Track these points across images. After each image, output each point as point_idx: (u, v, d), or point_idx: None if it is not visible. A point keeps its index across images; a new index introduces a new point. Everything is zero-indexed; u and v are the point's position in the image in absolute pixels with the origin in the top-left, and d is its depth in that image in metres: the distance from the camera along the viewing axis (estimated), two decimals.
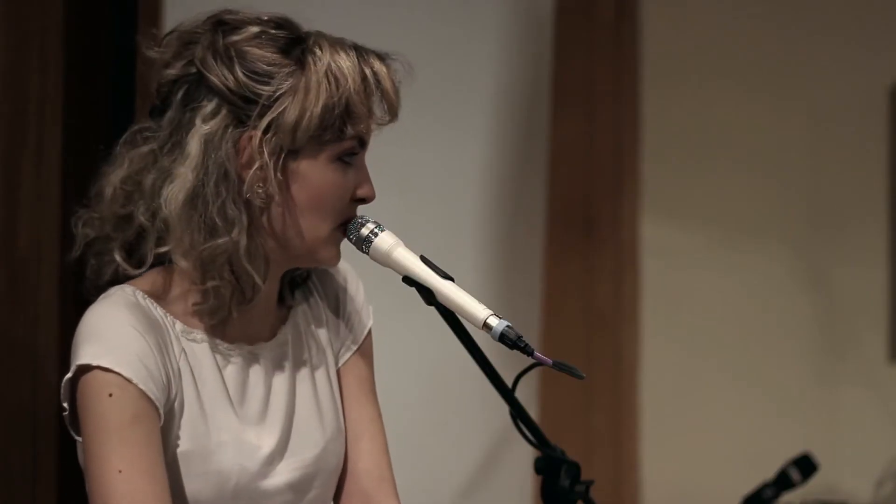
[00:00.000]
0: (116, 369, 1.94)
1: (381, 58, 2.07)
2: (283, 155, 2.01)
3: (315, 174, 2.03)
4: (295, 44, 2.03)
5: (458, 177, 3.82)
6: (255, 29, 2.03)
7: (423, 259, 2.04)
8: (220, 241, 1.99)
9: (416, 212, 3.55)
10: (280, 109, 1.99)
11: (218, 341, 2.06)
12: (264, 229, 2.04)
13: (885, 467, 4.24)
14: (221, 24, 2.04)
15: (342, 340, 2.20)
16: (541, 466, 2.04)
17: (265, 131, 2.00)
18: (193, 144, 2.00)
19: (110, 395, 1.94)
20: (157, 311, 2.02)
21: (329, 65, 2.01)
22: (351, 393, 2.18)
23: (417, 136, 3.54)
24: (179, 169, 2.00)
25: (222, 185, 1.99)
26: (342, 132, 2.02)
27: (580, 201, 4.15)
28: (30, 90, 2.52)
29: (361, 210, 2.09)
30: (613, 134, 4.19)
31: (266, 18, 2.06)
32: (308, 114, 2.00)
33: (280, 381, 2.11)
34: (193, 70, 2.02)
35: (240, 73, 2.00)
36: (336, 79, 2.01)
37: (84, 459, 1.97)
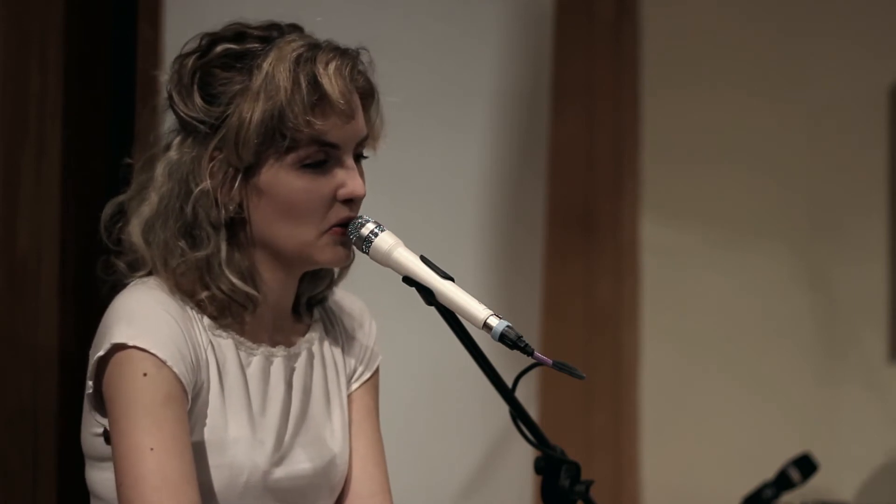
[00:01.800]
0: (152, 350, 1.97)
1: (337, 56, 2.05)
2: (238, 171, 2.03)
3: (280, 185, 2.04)
4: (253, 56, 2.04)
5: (459, 177, 3.82)
6: (224, 46, 2.05)
7: (423, 259, 2.04)
8: (187, 258, 2.03)
9: (416, 212, 3.54)
10: (226, 128, 2.02)
11: (242, 339, 2.09)
12: (248, 240, 2.07)
13: (885, 467, 4.24)
14: (209, 43, 2.07)
15: (355, 368, 2.23)
16: (541, 466, 2.04)
17: (217, 150, 2.03)
18: (160, 169, 2.06)
19: (145, 374, 1.96)
20: (185, 305, 2.05)
21: (266, 75, 2.02)
22: (359, 418, 2.22)
23: (417, 136, 3.54)
24: (149, 193, 2.06)
25: (186, 205, 2.03)
26: (281, 143, 2.02)
27: (580, 201, 4.15)
28: (30, 90, 2.52)
29: (361, 210, 2.09)
30: (613, 134, 4.19)
31: (248, 30, 2.07)
32: (244, 130, 2.01)
33: (297, 388, 2.14)
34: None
35: (197, 99, 2.04)
36: (269, 90, 2.01)
37: (111, 437, 1.98)
